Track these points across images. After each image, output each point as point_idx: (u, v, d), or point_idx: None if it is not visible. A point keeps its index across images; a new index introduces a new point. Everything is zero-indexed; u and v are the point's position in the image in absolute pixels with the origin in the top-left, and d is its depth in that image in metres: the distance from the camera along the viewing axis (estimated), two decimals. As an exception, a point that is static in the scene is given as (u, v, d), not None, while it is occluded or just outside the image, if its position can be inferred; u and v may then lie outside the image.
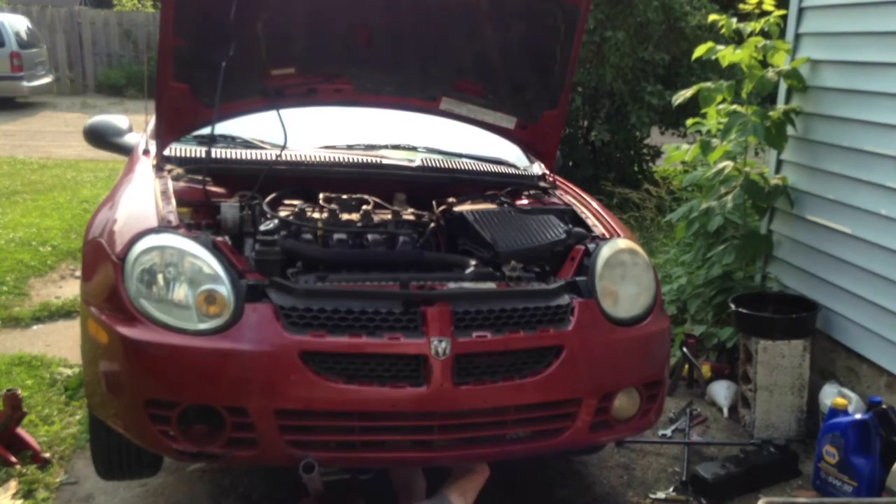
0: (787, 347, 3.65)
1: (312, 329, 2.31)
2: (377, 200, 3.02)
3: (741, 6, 4.17)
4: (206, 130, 2.95)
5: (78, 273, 5.25)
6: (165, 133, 2.94)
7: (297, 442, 2.32)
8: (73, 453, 3.28)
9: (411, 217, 3.02)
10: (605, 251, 2.76)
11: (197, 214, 2.76)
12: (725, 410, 3.92)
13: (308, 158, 3.11)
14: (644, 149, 8.60)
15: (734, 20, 4.22)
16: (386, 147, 3.44)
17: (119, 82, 17.10)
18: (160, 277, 2.37)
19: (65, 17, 17.52)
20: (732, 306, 3.83)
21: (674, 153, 4.74)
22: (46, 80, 15.23)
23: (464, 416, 2.40)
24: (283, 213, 2.81)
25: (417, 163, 3.28)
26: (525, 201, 3.29)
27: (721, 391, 3.99)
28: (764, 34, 4.10)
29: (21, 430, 3.22)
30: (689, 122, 4.76)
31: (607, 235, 2.92)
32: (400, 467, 2.78)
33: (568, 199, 3.29)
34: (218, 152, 3.05)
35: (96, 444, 2.82)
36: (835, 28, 3.94)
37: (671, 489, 3.23)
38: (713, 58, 4.26)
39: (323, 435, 2.36)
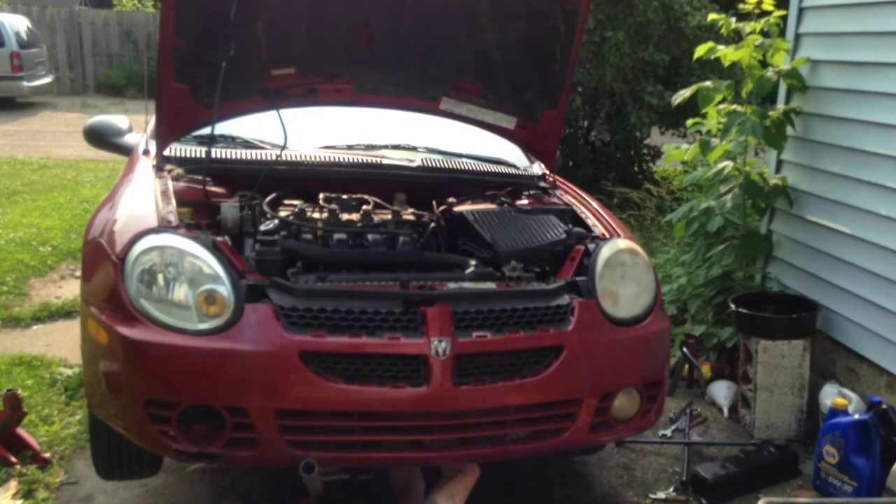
0: (788, 347, 3.65)
1: (312, 329, 2.32)
2: (377, 200, 3.02)
3: (741, 6, 4.17)
4: (206, 130, 2.95)
5: (78, 273, 5.25)
6: (165, 133, 2.94)
7: (297, 442, 2.32)
8: (73, 453, 3.27)
9: (411, 217, 3.02)
10: (606, 251, 2.76)
11: (197, 214, 2.76)
12: (725, 410, 3.92)
13: (308, 158, 3.11)
14: (644, 149, 8.61)
15: (734, 20, 4.22)
16: (386, 147, 3.44)
17: (119, 82, 17.09)
18: (160, 277, 2.37)
19: (65, 17, 17.51)
20: (732, 306, 3.83)
21: (673, 153, 4.74)
22: (46, 80, 15.22)
23: (464, 416, 2.41)
24: (283, 213, 2.81)
25: (417, 163, 3.29)
26: (525, 201, 3.29)
27: (721, 391, 3.99)
28: (764, 34, 4.10)
29: (21, 430, 3.22)
30: (689, 122, 4.76)
31: (607, 235, 2.92)
32: (400, 467, 2.78)
33: (568, 199, 3.29)
34: (218, 152, 3.05)
35: (96, 445, 2.82)
36: (835, 28, 3.94)
37: (671, 489, 3.23)
38: (713, 58, 4.26)
39: (323, 435, 2.36)
